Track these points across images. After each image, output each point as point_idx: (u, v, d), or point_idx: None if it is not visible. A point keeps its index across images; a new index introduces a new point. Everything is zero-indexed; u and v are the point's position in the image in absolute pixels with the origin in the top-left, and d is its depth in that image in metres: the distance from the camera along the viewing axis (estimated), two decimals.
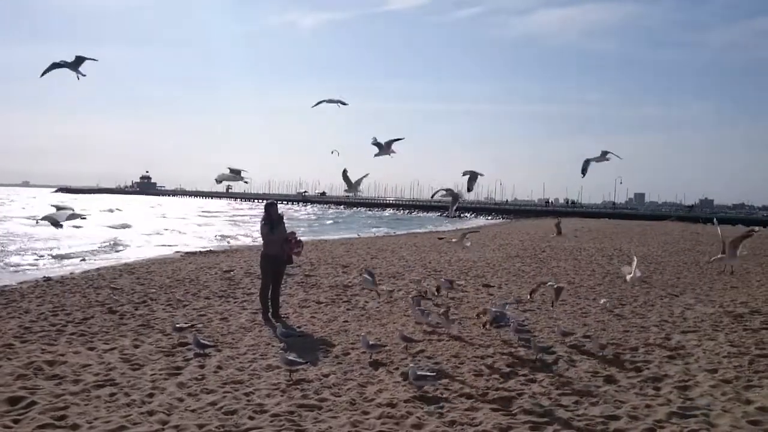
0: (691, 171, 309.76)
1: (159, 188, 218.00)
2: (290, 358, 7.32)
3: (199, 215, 68.39)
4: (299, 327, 9.97)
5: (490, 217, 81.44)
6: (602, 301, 12.16)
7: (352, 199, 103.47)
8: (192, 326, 9.63)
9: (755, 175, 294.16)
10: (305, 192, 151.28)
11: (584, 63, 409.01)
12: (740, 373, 7.36)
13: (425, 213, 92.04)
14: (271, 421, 5.84)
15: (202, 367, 7.59)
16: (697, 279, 16.64)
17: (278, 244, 10.55)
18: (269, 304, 10.59)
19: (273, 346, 8.70)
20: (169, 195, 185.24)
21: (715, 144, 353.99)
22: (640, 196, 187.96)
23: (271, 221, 10.63)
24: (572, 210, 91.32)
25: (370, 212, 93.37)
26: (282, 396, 6.56)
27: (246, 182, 10.83)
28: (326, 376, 7.30)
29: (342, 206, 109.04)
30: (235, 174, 10.38)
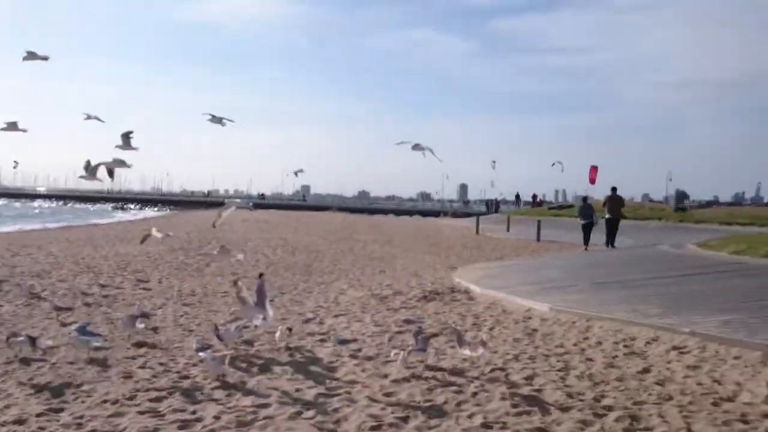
0: (353, 165, 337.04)
1: None
2: None
3: None
4: None
5: (156, 209, 78.27)
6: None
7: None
8: None
9: (404, 169, 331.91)
10: None
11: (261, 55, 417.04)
12: (380, 350, 8.08)
13: (85, 204, 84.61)
14: None
15: None
16: (351, 265, 18.05)
17: None
18: None
19: None
20: None
21: (376, 139, 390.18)
22: (306, 188, 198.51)
23: None
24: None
25: (17, 204, 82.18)
26: None
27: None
28: None
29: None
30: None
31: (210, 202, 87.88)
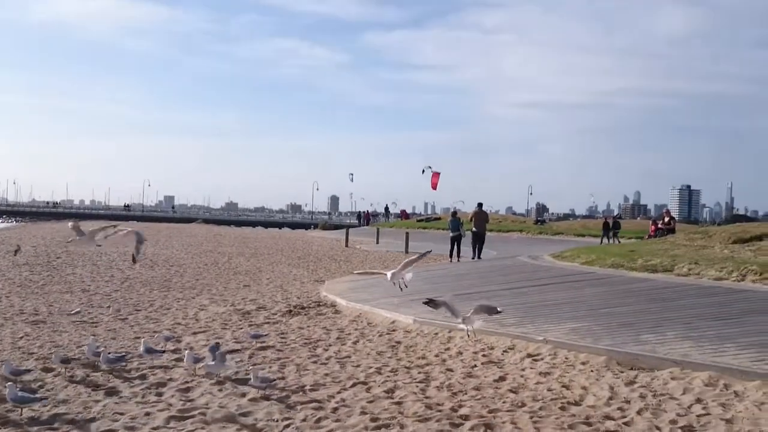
0: (220, 176, 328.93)
1: None
2: None
3: None
4: None
5: (1, 220, 72.18)
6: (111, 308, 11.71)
7: None
8: None
9: (273, 182, 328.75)
10: None
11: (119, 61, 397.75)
12: (240, 368, 7.77)
13: None
14: None
15: None
16: (215, 279, 17.45)
17: None
18: None
19: None
20: None
21: (241, 152, 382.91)
22: (170, 199, 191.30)
23: None
24: (93, 213, 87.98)
25: None
26: None
27: None
28: None
29: None
30: None
31: (59, 213, 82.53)
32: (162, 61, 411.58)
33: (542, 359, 7.92)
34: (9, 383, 6.28)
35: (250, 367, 7.45)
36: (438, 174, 61.39)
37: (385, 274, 8.74)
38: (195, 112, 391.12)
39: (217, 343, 8.33)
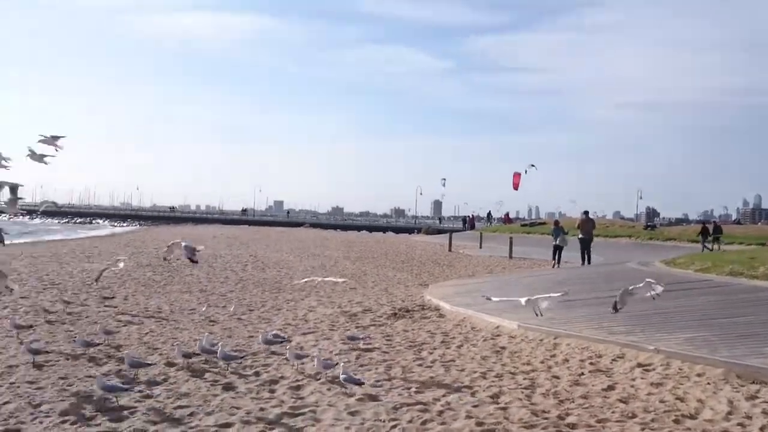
0: (327, 181, 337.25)
1: None
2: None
3: None
4: None
5: (125, 224, 77.19)
6: (231, 309, 12.33)
7: None
8: None
9: (379, 186, 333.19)
10: None
11: (233, 71, 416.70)
12: (347, 368, 8.00)
13: (51, 219, 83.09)
14: None
15: None
16: (322, 282, 17.93)
17: None
18: None
19: None
20: None
21: (347, 158, 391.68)
22: (279, 204, 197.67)
23: None
24: (209, 217, 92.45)
25: None
26: None
27: None
28: None
29: None
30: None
31: (177, 217, 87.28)
32: (271, 70, 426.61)
33: (654, 369, 7.66)
34: (99, 375, 7.03)
35: (325, 362, 7.64)
36: (519, 174, 60.73)
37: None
38: (301, 120, 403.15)
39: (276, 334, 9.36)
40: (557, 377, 7.58)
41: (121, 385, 6.79)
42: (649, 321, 10.01)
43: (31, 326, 10.09)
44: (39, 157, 8.57)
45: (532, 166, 62.62)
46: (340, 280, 11.52)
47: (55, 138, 8.60)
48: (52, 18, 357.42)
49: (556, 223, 27.31)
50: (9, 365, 7.84)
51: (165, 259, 12.84)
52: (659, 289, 8.15)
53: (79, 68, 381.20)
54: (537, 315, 8.47)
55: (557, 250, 23.68)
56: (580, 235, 23.48)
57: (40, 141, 8.54)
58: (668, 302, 11.67)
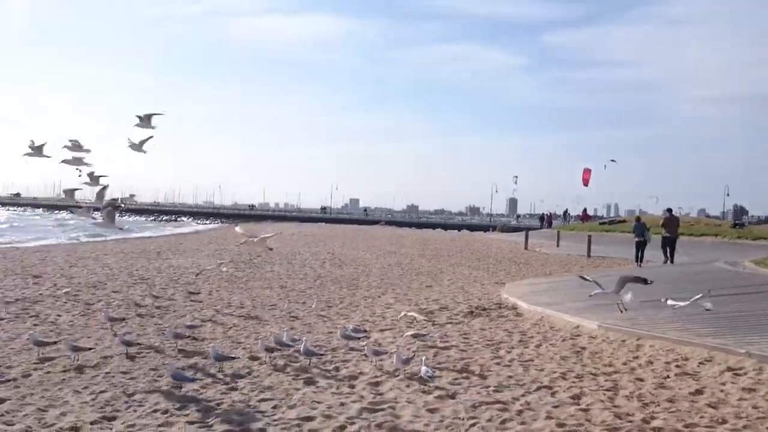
0: (401, 179, 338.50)
1: None
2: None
3: None
4: None
5: (208, 222, 79.76)
6: (313, 305, 12.58)
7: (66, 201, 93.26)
8: None
9: (453, 184, 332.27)
10: None
11: (308, 72, 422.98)
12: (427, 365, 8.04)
13: (139, 217, 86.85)
14: None
15: None
16: (398, 279, 18.06)
17: None
18: None
19: None
20: None
21: (421, 155, 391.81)
22: (355, 202, 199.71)
23: None
24: (287, 215, 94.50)
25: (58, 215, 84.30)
26: None
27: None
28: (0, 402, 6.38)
29: (41, 209, 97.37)
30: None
31: (257, 215, 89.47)
32: (347, 70, 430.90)
33: (745, 374, 7.35)
34: (170, 363, 7.56)
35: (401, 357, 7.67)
36: (590, 170, 59.54)
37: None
38: (377, 118, 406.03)
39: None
40: (641, 380, 7.39)
41: (188, 376, 7.15)
42: (738, 323, 9.62)
43: (123, 319, 10.62)
44: (138, 146, 8.98)
45: (612, 161, 61.10)
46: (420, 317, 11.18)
47: (149, 117, 8.89)
48: (140, 23, 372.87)
49: (638, 219, 26.54)
50: (104, 356, 8.27)
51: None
52: (708, 305, 8.40)
53: (164, 69, 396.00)
54: (621, 311, 8.34)
55: (639, 247, 22.95)
56: (664, 234, 22.70)
57: (136, 125, 8.88)
58: (760, 303, 11.18)
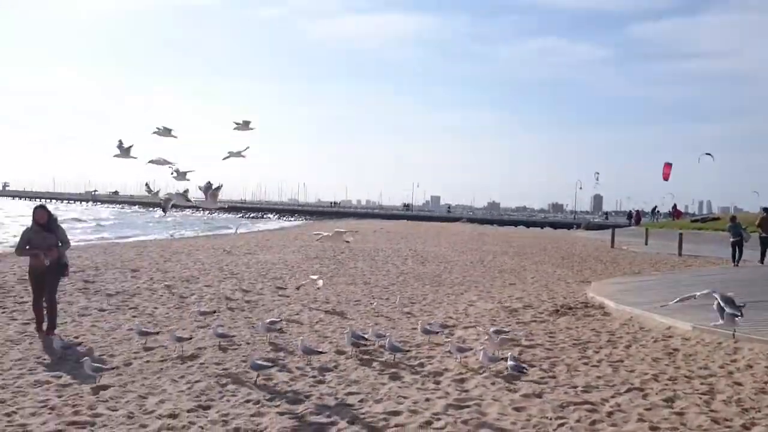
0: (482, 176, 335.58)
1: None
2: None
3: None
4: (77, 337, 9.17)
5: (293, 219, 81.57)
6: (396, 300, 12.70)
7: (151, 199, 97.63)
8: None
9: (534, 181, 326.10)
10: (95, 191, 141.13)
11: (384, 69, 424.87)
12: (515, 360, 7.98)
13: (229, 214, 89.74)
14: None
15: None
16: (481, 277, 17.94)
17: (37, 252, 9.54)
18: (44, 314, 9.56)
19: (43, 359, 7.92)
20: None
21: (502, 152, 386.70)
22: (436, 199, 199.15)
23: (39, 227, 9.61)
24: (369, 212, 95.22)
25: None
26: (50, 414, 5.97)
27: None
28: (104, 389, 6.79)
29: (137, 206, 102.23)
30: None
31: (339, 212, 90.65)
32: (423, 67, 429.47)
33: None
34: (251, 353, 7.98)
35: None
36: (670, 165, 57.69)
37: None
38: (455, 115, 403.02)
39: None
40: (739, 384, 7.09)
41: (266, 363, 7.39)
42: None
43: (215, 312, 11.06)
44: (236, 154, 9.51)
45: (708, 154, 58.37)
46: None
47: (246, 123, 9.52)
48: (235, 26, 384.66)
49: (733, 218, 25.32)
50: (198, 347, 8.64)
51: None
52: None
53: (250, 71, 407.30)
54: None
55: (736, 246, 21.92)
56: (762, 234, 21.58)
57: (235, 128, 9.48)
58: None
